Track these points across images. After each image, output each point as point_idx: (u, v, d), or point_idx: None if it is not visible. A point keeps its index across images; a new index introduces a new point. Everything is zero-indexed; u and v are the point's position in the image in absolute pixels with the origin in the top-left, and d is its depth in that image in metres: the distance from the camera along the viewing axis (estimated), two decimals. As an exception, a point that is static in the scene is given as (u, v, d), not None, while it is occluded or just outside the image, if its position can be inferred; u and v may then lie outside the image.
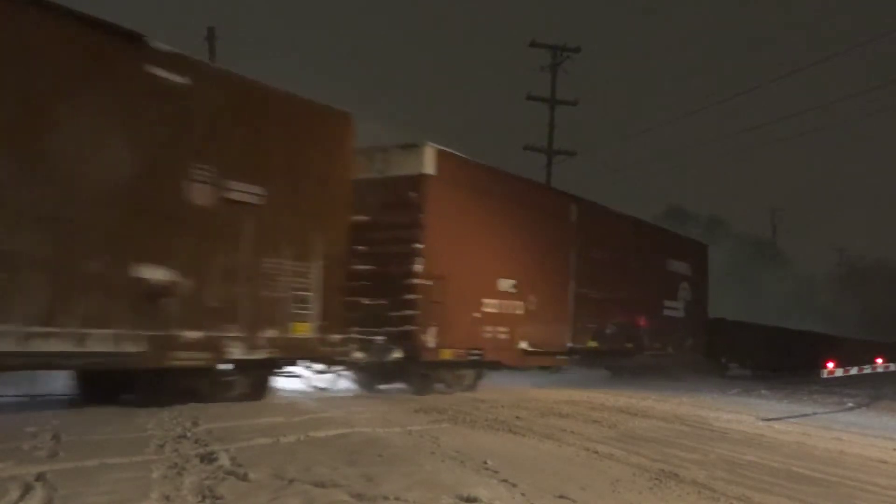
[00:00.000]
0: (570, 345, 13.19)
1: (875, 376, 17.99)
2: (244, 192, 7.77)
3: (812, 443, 7.94)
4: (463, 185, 10.63)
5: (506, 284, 11.47)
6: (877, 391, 16.28)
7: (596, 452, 6.33)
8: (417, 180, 9.99)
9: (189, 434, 5.90)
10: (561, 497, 4.64)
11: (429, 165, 10.02)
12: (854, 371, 16.68)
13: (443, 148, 10.31)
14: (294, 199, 8.33)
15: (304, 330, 8.41)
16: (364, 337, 9.52)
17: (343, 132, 9.00)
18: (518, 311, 11.72)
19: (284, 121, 8.34)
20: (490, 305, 11.16)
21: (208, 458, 5.05)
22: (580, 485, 5.01)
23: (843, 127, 77.62)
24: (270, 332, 8.03)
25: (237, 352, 7.72)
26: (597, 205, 14.78)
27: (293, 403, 8.38)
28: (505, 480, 4.92)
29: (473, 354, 10.87)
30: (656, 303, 16.72)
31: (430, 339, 9.93)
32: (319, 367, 9.24)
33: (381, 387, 10.37)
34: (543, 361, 12.79)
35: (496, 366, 11.64)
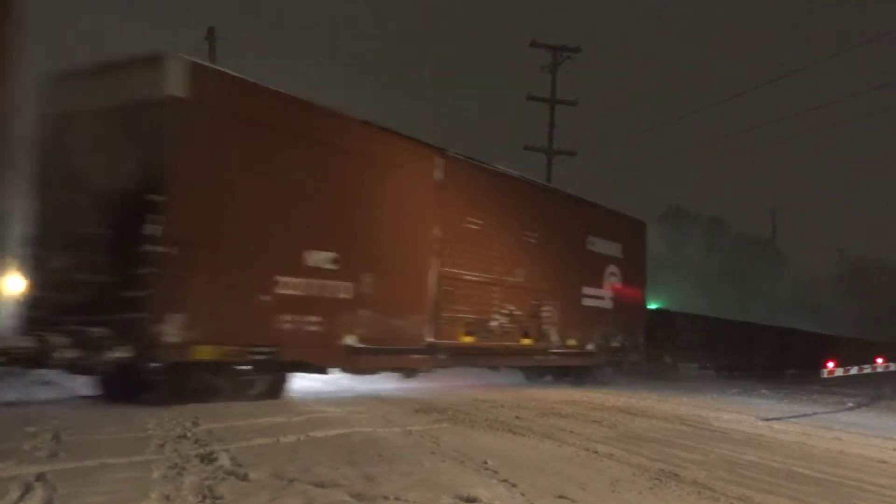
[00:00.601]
0: (430, 340, 10.25)
1: (875, 376, 17.98)
2: None
3: (812, 443, 7.95)
4: (240, 118, 7.85)
5: (319, 258, 8.60)
6: (876, 391, 16.28)
7: (596, 452, 6.33)
8: (159, 106, 7.18)
9: (189, 434, 5.90)
10: (561, 497, 4.64)
11: (176, 85, 7.20)
12: (854, 371, 16.69)
13: (204, 63, 7.61)
14: None
15: None
16: (78, 328, 6.97)
17: None
18: (342, 295, 8.87)
19: None
20: (291, 286, 8.28)
21: (208, 458, 5.05)
22: (580, 485, 5.01)
23: (843, 127, 77.44)
24: None
25: None
26: (476, 162, 11.42)
27: (293, 403, 8.37)
28: (505, 480, 4.92)
29: (259, 353, 8.06)
30: (570, 290, 13.51)
31: (170, 330, 7.12)
32: None
33: (143, 395, 7.51)
34: (387, 362, 9.87)
35: (307, 368, 8.83)
